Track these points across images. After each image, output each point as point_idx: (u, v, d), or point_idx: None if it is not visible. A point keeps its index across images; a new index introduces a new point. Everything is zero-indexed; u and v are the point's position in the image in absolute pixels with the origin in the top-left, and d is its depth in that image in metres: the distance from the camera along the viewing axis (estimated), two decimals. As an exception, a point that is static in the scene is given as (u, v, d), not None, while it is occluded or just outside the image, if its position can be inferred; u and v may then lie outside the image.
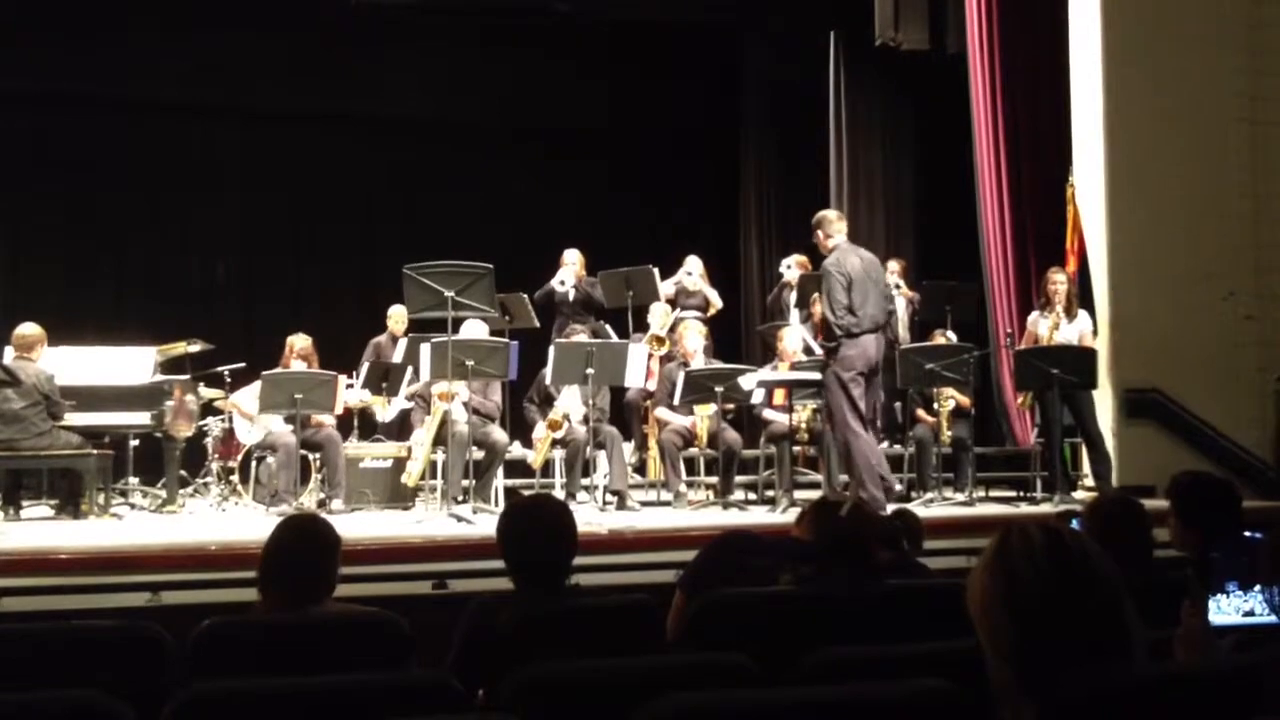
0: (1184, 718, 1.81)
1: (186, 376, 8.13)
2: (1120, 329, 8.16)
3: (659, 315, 8.47)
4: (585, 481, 7.71)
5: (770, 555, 3.38)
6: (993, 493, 8.30)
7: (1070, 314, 7.66)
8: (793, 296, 9.26)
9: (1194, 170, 8.26)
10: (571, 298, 8.59)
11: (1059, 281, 7.70)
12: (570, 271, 8.60)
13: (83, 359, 7.53)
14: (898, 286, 9.30)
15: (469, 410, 7.20)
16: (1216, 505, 3.39)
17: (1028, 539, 1.77)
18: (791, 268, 9.38)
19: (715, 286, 9.04)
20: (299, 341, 7.94)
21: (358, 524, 6.59)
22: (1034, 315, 7.88)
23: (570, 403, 7.63)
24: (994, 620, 1.76)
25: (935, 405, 7.94)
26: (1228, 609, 2.22)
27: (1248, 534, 2.49)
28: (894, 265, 9.50)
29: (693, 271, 8.73)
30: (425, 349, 7.06)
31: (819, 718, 2.00)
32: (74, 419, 7.10)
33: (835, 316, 6.76)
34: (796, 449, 7.83)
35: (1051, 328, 7.65)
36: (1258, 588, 2.20)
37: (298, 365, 7.77)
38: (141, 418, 7.38)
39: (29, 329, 7.11)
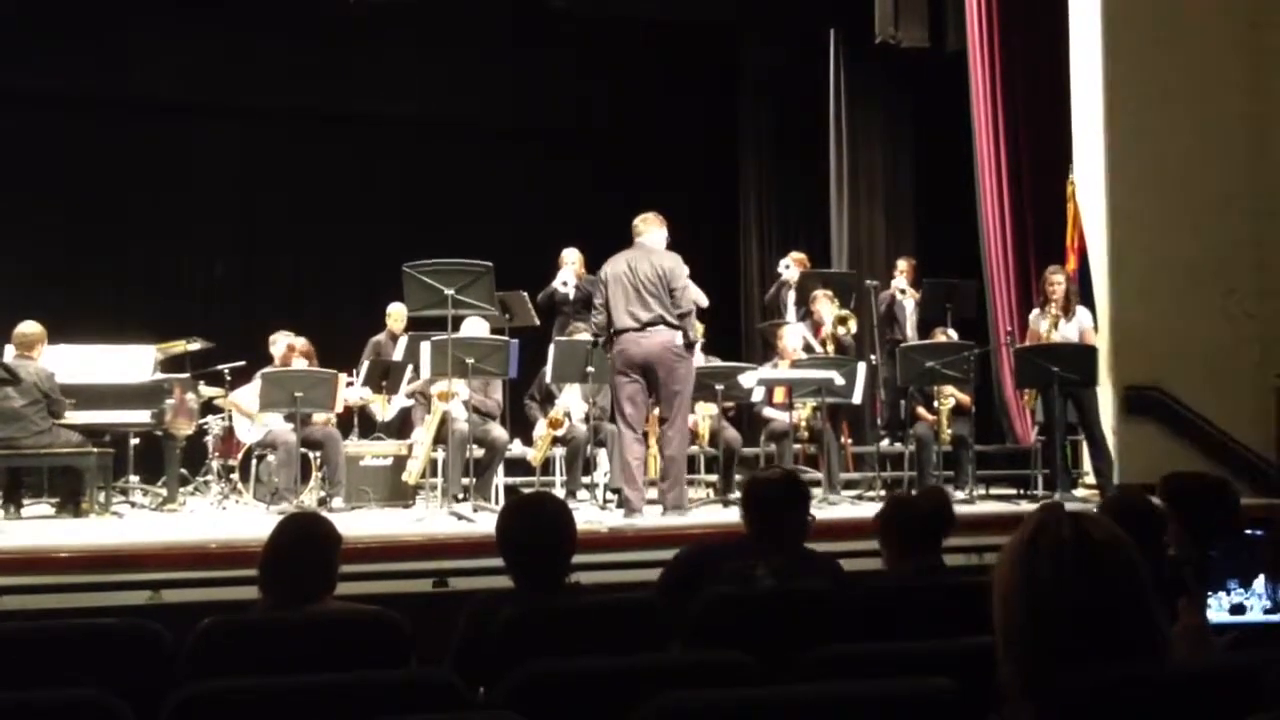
0: (1183, 715, 1.81)
1: (186, 375, 8.14)
2: (1121, 326, 8.16)
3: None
4: (586, 480, 7.72)
5: (733, 556, 3.40)
6: (993, 490, 8.29)
7: (1068, 313, 7.66)
8: (791, 295, 9.25)
9: (1195, 167, 8.25)
10: (573, 297, 8.59)
11: (1057, 281, 7.70)
12: (570, 271, 8.59)
13: (83, 357, 7.53)
14: (902, 291, 9.28)
15: (469, 408, 7.20)
16: (1213, 504, 3.39)
17: (1056, 532, 1.75)
18: (790, 267, 9.37)
19: (714, 285, 9.01)
20: (296, 340, 7.95)
21: (358, 522, 6.59)
22: (1034, 314, 7.89)
23: (571, 401, 7.63)
24: (1010, 612, 1.74)
25: (935, 403, 7.93)
26: (1226, 606, 2.22)
27: (1249, 532, 2.49)
28: (902, 264, 9.48)
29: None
30: (425, 347, 7.06)
31: (819, 715, 2.01)
32: (74, 417, 7.10)
33: (593, 316, 6.85)
34: (797, 447, 7.82)
35: (1050, 327, 7.65)
36: (1256, 584, 2.20)
37: (299, 363, 7.78)
38: (142, 416, 7.37)
39: (29, 327, 7.10)
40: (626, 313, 6.51)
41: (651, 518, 6.48)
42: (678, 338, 6.51)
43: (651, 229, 6.78)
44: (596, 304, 6.74)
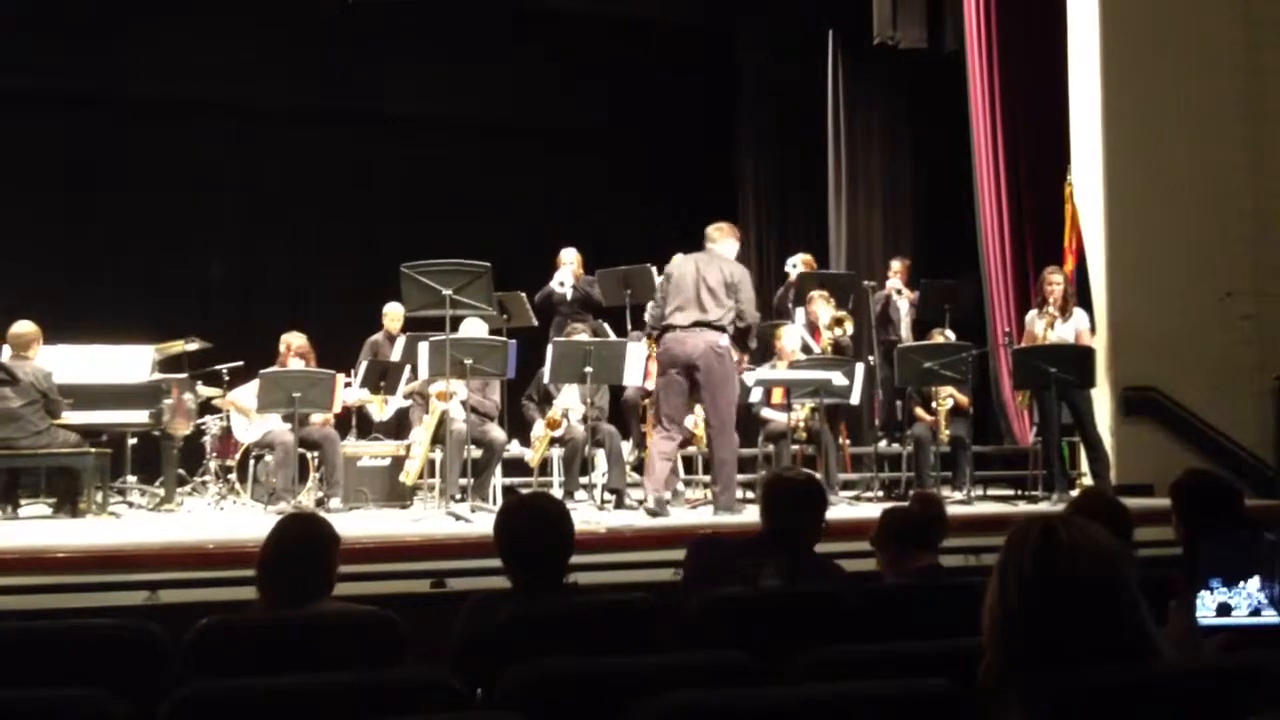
0: (1174, 716, 1.81)
1: (184, 375, 8.12)
2: (1118, 328, 8.17)
3: (656, 314, 8.46)
4: (583, 480, 7.71)
5: (742, 553, 3.41)
6: (991, 491, 8.30)
7: (1065, 313, 7.66)
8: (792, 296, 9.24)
9: (1192, 169, 8.27)
10: (570, 297, 8.59)
11: (1055, 281, 7.70)
12: (568, 271, 8.59)
13: (81, 357, 7.52)
14: (899, 292, 9.27)
15: (467, 409, 7.20)
16: (1210, 504, 3.40)
17: (1024, 537, 1.77)
18: (798, 266, 9.35)
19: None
20: (295, 339, 7.94)
21: (356, 522, 6.58)
22: (1031, 314, 7.89)
23: (569, 401, 7.63)
24: (989, 614, 1.77)
25: (934, 404, 7.93)
26: (1210, 606, 2.21)
27: (1266, 533, 2.46)
28: (895, 265, 9.46)
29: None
30: (423, 347, 7.06)
31: (818, 715, 2.01)
32: (72, 417, 7.08)
33: (650, 309, 7.01)
34: (795, 448, 7.83)
35: (1046, 327, 7.65)
36: (1241, 584, 2.19)
37: (296, 363, 7.77)
38: (139, 416, 7.36)
39: (24, 327, 7.09)
40: (680, 312, 6.58)
41: (648, 517, 6.48)
42: (723, 339, 6.56)
43: (726, 239, 6.84)
44: (656, 299, 6.83)
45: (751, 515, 6.65)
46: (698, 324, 6.53)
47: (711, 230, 6.86)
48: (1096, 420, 7.63)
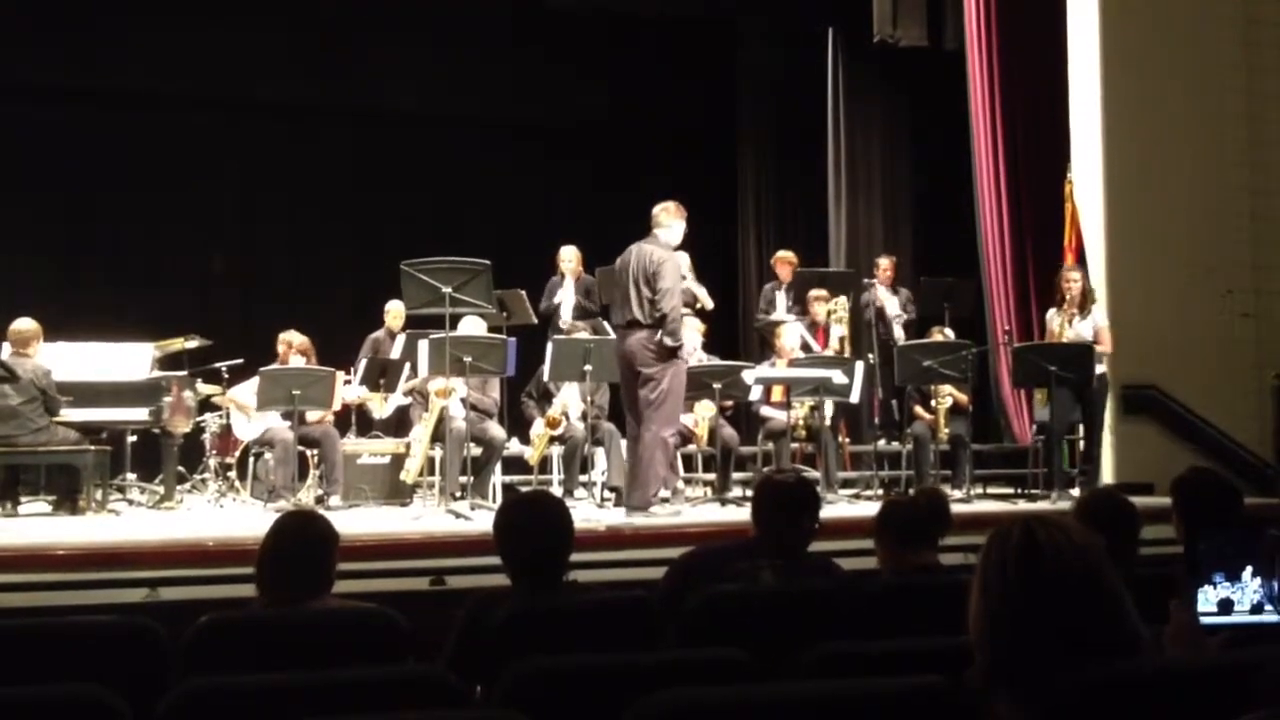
0: (1172, 714, 1.81)
1: (184, 372, 8.12)
2: (1118, 326, 8.15)
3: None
4: (583, 478, 7.72)
5: (735, 558, 3.41)
6: (990, 490, 8.30)
7: (1083, 311, 7.63)
8: (780, 299, 9.23)
9: (1192, 167, 8.27)
10: (573, 303, 8.61)
11: (1073, 279, 7.67)
12: (569, 291, 8.61)
13: (80, 355, 7.52)
14: (896, 291, 9.26)
15: (467, 406, 7.20)
16: (1209, 501, 3.40)
17: (1004, 538, 1.78)
18: (762, 320, 9.37)
19: (713, 283, 9.02)
20: (295, 337, 7.94)
21: (355, 520, 6.59)
22: (1051, 312, 7.82)
23: (569, 399, 7.63)
24: (974, 620, 1.78)
25: (933, 402, 7.93)
26: (1212, 603, 2.20)
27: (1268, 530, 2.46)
28: (883, 263, 9.42)
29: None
30: (423, 345, 7.07)
31: (816, 713, 2.01)
32: (71, 415, 7.08)
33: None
34: (794, 446, 7.83)
35: (1063, 324, 7.64)
36: (1242, 582, 2.19)
37: (296, 361, 7.77)
38: (139, 414, 7.36)
39: (25, 324, 7.09)
40: (618, 309, 6.53)
41: (650, 516, 6.48)
42: (655, 335, 6.32)
43: (670, 221, 6.53)
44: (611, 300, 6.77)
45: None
46: (630, 323, 6.39)
47: (656, 213, 6.54)
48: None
